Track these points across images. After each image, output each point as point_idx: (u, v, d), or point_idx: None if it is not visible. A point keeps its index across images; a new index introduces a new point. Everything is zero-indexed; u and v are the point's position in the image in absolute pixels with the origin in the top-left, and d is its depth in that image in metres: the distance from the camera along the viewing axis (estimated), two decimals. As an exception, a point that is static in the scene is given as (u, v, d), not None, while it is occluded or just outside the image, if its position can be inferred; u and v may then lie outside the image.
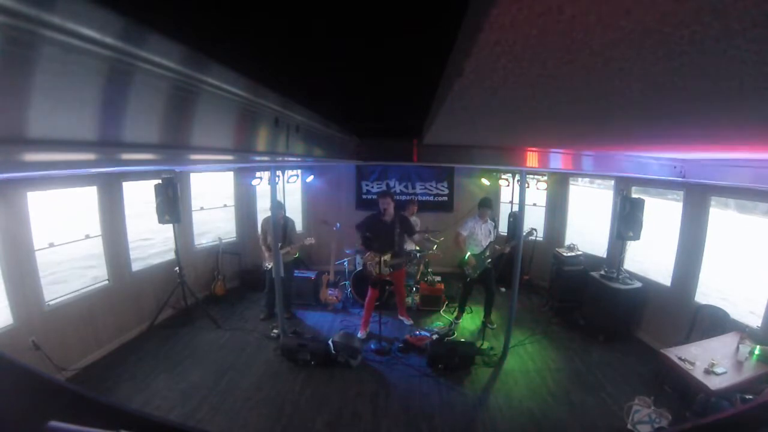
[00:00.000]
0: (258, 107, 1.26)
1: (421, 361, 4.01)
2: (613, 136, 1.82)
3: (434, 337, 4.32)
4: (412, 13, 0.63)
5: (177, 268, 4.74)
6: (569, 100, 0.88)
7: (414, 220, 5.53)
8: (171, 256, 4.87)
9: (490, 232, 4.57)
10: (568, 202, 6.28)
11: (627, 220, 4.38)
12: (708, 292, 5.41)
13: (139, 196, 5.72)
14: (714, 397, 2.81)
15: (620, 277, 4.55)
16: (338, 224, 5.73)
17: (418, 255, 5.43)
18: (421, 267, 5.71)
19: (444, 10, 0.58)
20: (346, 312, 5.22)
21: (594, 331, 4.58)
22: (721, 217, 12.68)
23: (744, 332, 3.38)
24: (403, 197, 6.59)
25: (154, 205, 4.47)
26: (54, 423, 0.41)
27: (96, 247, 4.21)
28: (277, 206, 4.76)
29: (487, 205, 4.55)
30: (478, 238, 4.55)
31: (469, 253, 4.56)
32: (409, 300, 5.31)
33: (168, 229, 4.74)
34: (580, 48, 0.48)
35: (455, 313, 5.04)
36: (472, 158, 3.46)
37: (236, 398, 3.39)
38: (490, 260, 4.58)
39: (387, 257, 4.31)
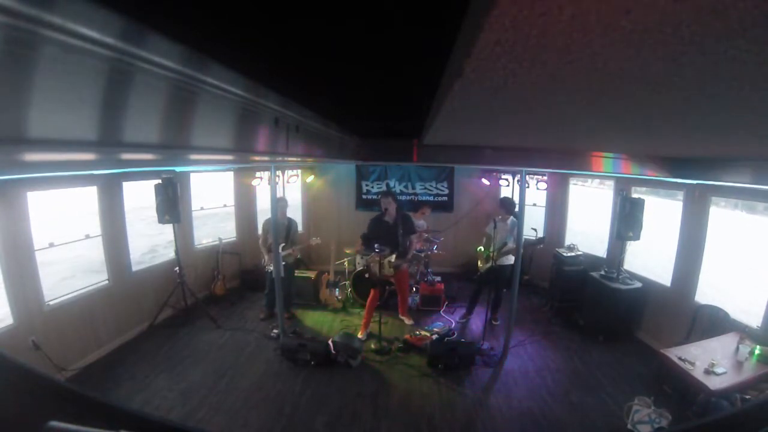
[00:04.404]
0: (258, 107, 1.26)
1: (421, 361, 4.01)
2: (613, 137, 1.82)
3: (434, 337, 4.32)
4: (412, 13, 0.63)
5: (177, 268, 4.74)
6: (569, 101, 0.88)
7: (421, 223, 5.54)
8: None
9: (507, 231, 4.55)
10: (568, 202, 6.28)
11: (627, 220, 4.38)
12: (708, 292, 5.40)
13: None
14: (714, 397, 2.81)
15: (620, 277, 4.55)
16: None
17: (421, 254, 5.44)
18: (421, 267, 5.72)
19: (444, 10, 0.58)
20: (346, 312, 5.22)
21: (594, 331, 4.58)
22: (728, 217, 12.65)
23: (744, 332, 3.39)
24: (403, 197, 6.60)
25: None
26: (54, 423, 0.41)
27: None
28: (281, 202, 4.77)
29: (501, 204, 4.69)
30: (494, 236, 4.58)
31: (480, 248, 4.72)
32: (409, 300, 5.31)
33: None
34: (580, 48, 0.48)
35: (464, 313, 5.07)
36: (472, 158, 3.46)
37: (236, 398, 3.39)
38: (503, 255, 4.56)
39: (391, 258, 4.31)
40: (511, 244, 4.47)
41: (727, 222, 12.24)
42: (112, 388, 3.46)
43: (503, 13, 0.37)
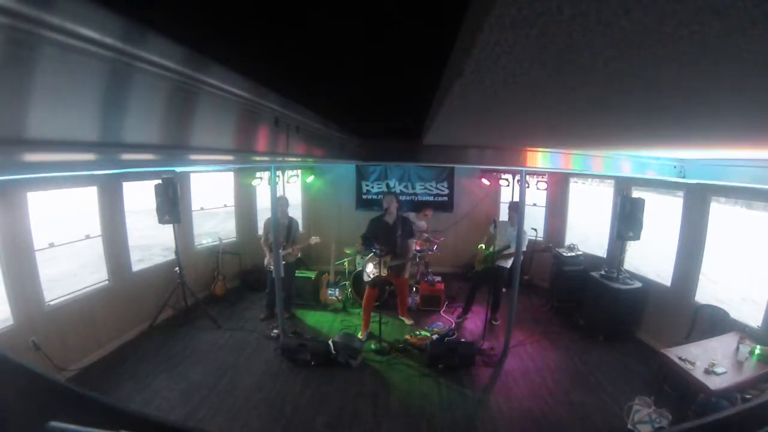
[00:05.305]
0: (258, 107, 1.26)
1: (421, 361, 4.01)
2: (613, 136, 1.82)
3: (434, 337, 4.32)
4: (412, 14, 0.63)
5: (177, 268, 4.74)
6: (569, 100, 0.88)
7: (421, 224, 5.55)
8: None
9: (512, 236, 4.56)
10: (568, 202, 6.28)
11: (627, 219, 4.37)
12: (708, 291, 5.40)
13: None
14: (714, 397, 2.80)
15: (620, 277, 4.54)
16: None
17: (418, 256, 5.44)
18: (421, 267, 5.72)
19: (444, 10, 0.58)
20: (346, 312, 5.22)
21: (594, 331, 4.58)
22: (728, 214, 12.60)
23: (744, 332, 3.38)
24: (403, 197, 6.60)
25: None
26: (54, 423, 0.41)
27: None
28: (282, 201, 4.78)
29: (512, 208, 4.69)
30: (496, 239, 4.59)
31: (481, 246, 4.74)
32: (409, 300, 5.31)
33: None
34: (580, 48, 0.48)
35: (462, 312, 5.07)
36: (472, 158, 3.46)
37: (236, 398, 3.39)
38: (503, 259, 4.58)
39: (387, 258, 4.30)
40: (513, 249, 4.47)
41: (727, 219, 12.20)
42: (112, 388, 3.46)
43: (503, 13, 0.37)
